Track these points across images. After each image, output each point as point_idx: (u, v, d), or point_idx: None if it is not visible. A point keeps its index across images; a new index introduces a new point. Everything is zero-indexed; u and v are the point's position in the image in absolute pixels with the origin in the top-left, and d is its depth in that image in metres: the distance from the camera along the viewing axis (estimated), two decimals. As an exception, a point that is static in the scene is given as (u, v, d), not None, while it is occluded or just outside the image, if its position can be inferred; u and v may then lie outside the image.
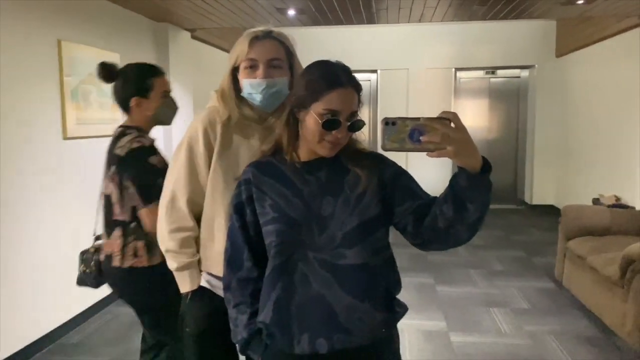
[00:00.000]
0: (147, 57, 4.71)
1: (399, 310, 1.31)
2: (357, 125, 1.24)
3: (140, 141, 1.92)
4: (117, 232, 1.94)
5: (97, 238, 2.11)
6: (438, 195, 1.19)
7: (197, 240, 1.58)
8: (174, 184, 1.57)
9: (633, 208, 4.57)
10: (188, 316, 1.60)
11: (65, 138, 3.48)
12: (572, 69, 6.63)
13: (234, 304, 1.33)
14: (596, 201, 5.27)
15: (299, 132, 1.28)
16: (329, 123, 1.20)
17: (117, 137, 1.97)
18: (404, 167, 1.34)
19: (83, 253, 2.12)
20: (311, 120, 1.22)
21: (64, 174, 3.47)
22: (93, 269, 2.06)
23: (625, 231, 3.86)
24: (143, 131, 2.01)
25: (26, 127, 3.13)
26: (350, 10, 4.49)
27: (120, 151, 1.91)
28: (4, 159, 2.95)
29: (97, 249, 2.09)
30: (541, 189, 7.34)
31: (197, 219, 1.57)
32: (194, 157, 1.55)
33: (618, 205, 4.76)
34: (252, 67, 1.50)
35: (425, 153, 1.08)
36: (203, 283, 1.58)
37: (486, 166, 1.10)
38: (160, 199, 1.61)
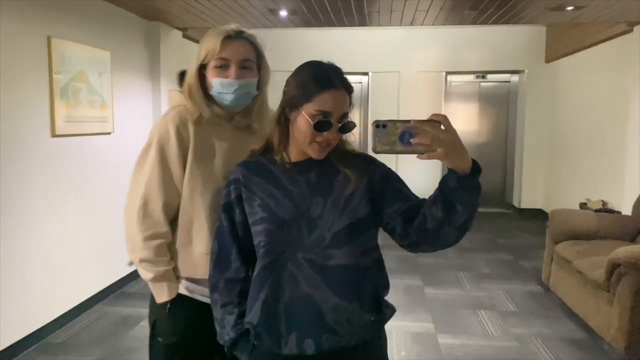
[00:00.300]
0: (138, 55, 4.69)
1: (387, 311, 1.31)
2: (348, 126, 1.24)
3: None
4: None
5: None
6: (427, 197, 1.20)
7: (169, 247, 1.51)
8: (145, 187, 1.48)
9: (619, 213, 4.62)
10: (166, 326, 1.53)
11: (54, 135, 3.45)
12: (562, 75, 6.70)
13: (221, 304, 1.31)
14: (583, 206, 5.33)
15: (290, 132, 1.28)
16: (321, 124, 1.20)
17: None
18: (394, 169, 1.34)
19: None
20: (302, 120, 1.21)
21: (51, 171, 3.44)
22: None
23: (612, 236, 3.90)
24: None
25: (14, 124, 3.09)
26: (342, 12, 4.50)
27: None
28: (-9, 156, 2.92)
29: None
30: (530, 193, 7.40)
31: (170, 223, 1.51)
32: (166, 157, 1.48)
33: (605, 210, 4.82)
34: (223, 66, 1.47)
35: (415, 155, 1.09)
36: (182, 290, 1.52)
37: (476, 168, 1.10)
38: (129, 204, 1.52)
